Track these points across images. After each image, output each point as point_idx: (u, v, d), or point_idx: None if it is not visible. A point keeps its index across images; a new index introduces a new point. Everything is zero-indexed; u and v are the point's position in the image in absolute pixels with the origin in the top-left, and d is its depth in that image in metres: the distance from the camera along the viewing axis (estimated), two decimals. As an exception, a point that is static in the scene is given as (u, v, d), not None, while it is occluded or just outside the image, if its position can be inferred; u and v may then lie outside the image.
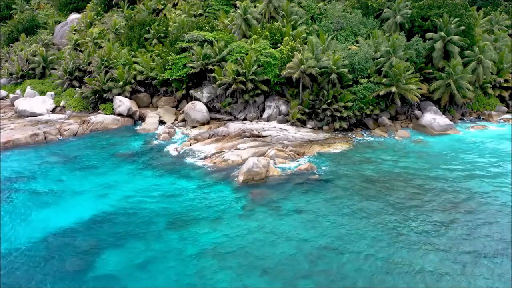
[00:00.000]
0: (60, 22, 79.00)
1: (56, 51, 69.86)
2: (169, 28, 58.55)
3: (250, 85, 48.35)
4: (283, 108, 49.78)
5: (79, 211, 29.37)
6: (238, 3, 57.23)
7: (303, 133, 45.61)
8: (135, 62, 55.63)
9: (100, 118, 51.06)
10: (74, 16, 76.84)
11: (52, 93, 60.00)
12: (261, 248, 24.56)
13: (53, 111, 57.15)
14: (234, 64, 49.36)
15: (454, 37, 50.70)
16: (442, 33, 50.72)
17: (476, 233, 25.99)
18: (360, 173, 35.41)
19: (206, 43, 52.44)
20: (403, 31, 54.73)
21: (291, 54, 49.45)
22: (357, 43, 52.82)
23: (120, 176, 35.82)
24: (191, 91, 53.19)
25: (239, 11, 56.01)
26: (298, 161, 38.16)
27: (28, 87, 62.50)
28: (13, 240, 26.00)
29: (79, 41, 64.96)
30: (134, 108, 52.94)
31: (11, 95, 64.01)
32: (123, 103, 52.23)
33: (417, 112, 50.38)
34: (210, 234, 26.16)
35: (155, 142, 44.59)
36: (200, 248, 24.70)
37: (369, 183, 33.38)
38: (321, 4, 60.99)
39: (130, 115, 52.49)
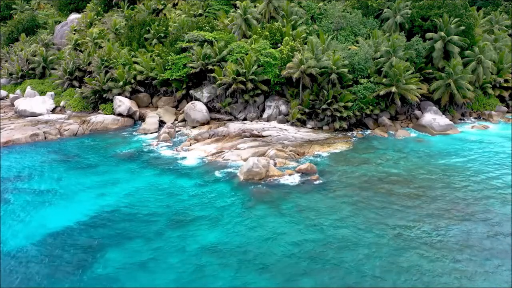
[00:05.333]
0: (60, 22, 79.06)
1: (56, 51, 69.89)
2: (169, 28, 58.57)
3: (250, 85, 48.36)
4: (283, 108, 49.79)
5: (79, 210, 29.36)
6: (238, 3, 57.25)
7: (303, 133, 45.61)
8: (135, 62, 55.64)
9: (100, 118, 51.09)
10: (74, 16, 76.88)
11: (52, 93, 60.03)
12: (262, 246, 24.57)
13: (53, 111, 57.18)
14: (234, 64, 49.37)
15: (454, 37, 50.75)
16: (442, 33, 50.77)
17: (476, 233, 25.97)
18: (360, 173, 35.41)
19: (206, 43, 52.46)
20: (403, 31, 54.80)
21: (291, 54, 49.48)
22: (357, 43, 52.85)
23: (120, 175, 35.82)
24: (191, 91, 53.19)
25: (239, 11, 56.04)
26: (298, 161, 38.16)
27: (28, 87, 62.53)
28: (13, 239, 25.97)
29: (79, 41, 65.00)
30: (134, 108, 52.94)
31: (11, 95, 64.03)
32: (123, 103, 52.23)
33: (417, 112, 50.41)
34: (210, 232, 26.18)
35: (155, 142, 44.57)
36: (200, 246, 24.70)
37: (369, 183, 33.37)
38: (321, 4, 61.04)
39: (130, 115, 52.49)
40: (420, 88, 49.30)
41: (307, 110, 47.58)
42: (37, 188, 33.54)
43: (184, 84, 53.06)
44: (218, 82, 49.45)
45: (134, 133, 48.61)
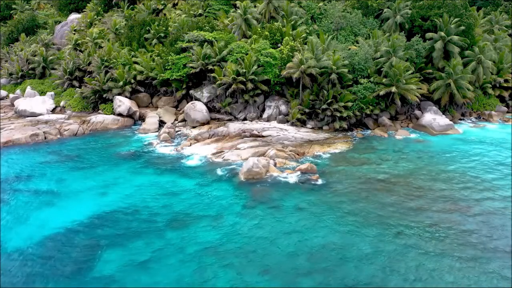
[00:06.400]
0: (60, 22, 79.07)
1: (56, 51, 69.90)
2: (169, 28, 58.57)
3: (250, 85, 48.36)
4: (283, 108, 49.78)
5: (79, 210, 29.35)
6: (238, 3, 57.25)
7: (303, 133, 45.62)
8: (135, 62, 55.64)
9: (100, 118, 51.10)
10: (74, 16, 76.89)
11: (52, 93, 60.03)
12: (262, 246, 24.56)
13: (53, 111, 57.18)
14: (234, 64, 49.37)
15: (454, 37, 50.75)
16: (442, 33, 50.77)
17: (477, 233, 25.95)
18: (360, 173, 35.41)
19: (206, 43, 52.46)
20: (403, 31, 54.80)
21: (291, 54, 49.48)
22: (357, 43, 52.85)
23: (120, 175, 35.82)
24: (191, 91, 53.20)
25: (239, 11, 56.04)
26: (298, 161, 38.16)
27: (28, 87, 62.53)
28: (14, 239, 25.97)
29: (79, 41, 65.00)
30: (134, 108, 52.95)
31: (11, 95, 64.03)
32: (123, 103, 52.24)
33: (417, 112, 50.42)
34: (210, 233, 26.17)
35: (155, 142, 44.57)
36: (200, 246, 24.69)
37: (368, 183, 33.36)
38: (321, 4, 61.04)
39: (130, 115, 52.50)
40: (420, 88, 49.30)
41: (307, 110, 47.58)
42: (37, 188, 33.52)
43: (184, 84, 53.06)
44: (218, 82, 49.44)
45: (134, 133, 48.62)
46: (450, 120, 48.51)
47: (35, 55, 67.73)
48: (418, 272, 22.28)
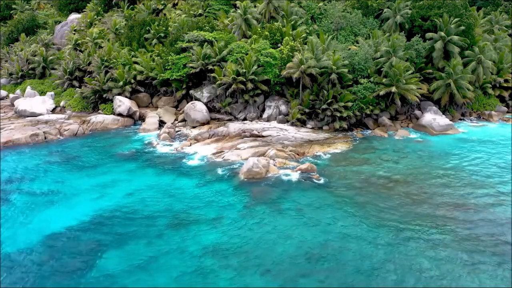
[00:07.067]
0: (60, 22, 79.05)
1: (56, 51, 69.88)
2: (169, 28, 58.57)
3: (250, 85, 48.35)
4: (283, 108, 49.78)
5: (80, 211, 29.35)
6: (238, 3, 57.24)
7: (303, 133, 45.62)
8: (135, 62, 55.63)
9: (100, 118, 51.10)
10: (74, 16, 76.88)
11: (52, 93, 60.01)
12: (262, 247, 24.57)
13: (53, 111, 57.16)
14: (234, 64, 49.36)
15: (454, 37, 50.75)
16: (442, 33, 50.77)
17: (477, 233, 25.96)
18: (359, 173, 35.41)
19: (206, 43, 52.45)
20: (403, 31, 54.80)
21: (291, 54, 49.48)
22: (357, 43, 52.84)
23: (120, 175, 35.81)
24: (191, 91, 53.19)
25: (239, 11, 56.04)
26: (298, 161, 38.16)
27: (28, 87, 62.52)
28: (14, 240, 25.97)
29: (79, 41, 64.99)
30: (134, 108, 52.94)
31: (11, 95, 64.01)
32: (123, 103, 52.23)
33: (417, 112, 50.42)
34: (210, 233, 26.17)
35: (155, 142, 44.57)
36: (201, 247, 24.69)
37: (369, 183, 33.37)
38: (321, 4, 61.03)
39: (130, 115, 52.49)
40: (420, 88, 49.30)
41: (307, 110, 47.57)
42: (37, 189, 33.52)
43: (184, 84, 53.05)
44: (218, 82, 49.44)
45: (134, 133, 48.61)
46: (450, 120, 48.53)
47: (35, 55, 67.72)
48: (419, 271, 22.27)
